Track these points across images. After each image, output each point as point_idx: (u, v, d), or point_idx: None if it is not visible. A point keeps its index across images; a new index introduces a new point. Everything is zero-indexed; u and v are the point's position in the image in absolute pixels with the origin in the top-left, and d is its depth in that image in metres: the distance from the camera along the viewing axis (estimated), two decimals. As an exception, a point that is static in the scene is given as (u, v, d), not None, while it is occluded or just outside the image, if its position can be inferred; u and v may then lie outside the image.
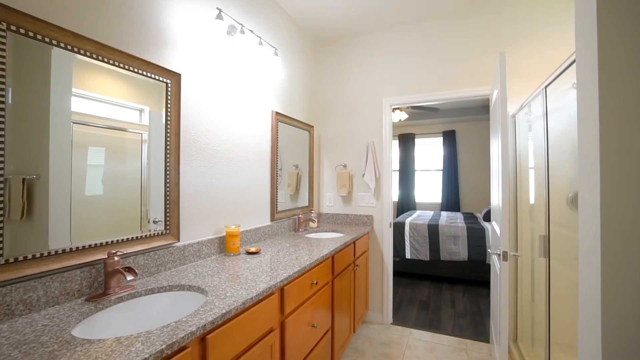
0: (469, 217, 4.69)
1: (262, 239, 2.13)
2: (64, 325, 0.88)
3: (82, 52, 1.10)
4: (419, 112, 5.80)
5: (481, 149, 5.95)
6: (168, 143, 1.46)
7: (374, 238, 2.82)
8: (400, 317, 2.88)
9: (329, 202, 3.03)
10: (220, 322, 0.97)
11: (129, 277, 1.07)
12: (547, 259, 1.57)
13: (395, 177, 6.55)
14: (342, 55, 2.98)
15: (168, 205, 1.46)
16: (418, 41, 2.67)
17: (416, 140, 6.49)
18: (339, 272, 2.03)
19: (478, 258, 3.57)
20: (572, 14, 2.17)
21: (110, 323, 1.02)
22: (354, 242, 2.32)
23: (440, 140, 6.30)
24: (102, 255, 1.15)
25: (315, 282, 1.63)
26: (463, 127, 6.11)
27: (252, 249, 1.78)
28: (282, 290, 1.36)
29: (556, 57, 2.19)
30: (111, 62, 1.20)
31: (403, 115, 4.62)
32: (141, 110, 1.34)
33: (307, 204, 2.83)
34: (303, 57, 2.81)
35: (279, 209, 2.35)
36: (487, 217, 4.33)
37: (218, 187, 1.78)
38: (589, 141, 0.74)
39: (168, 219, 1.46)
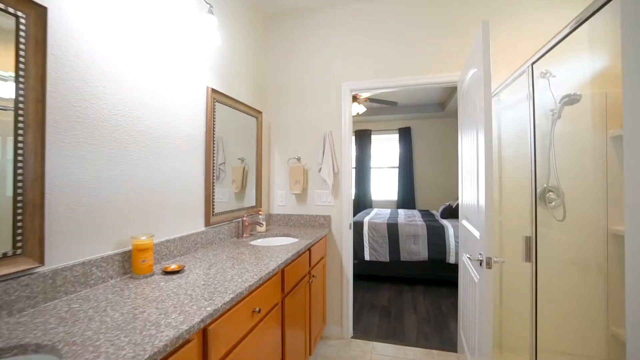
0: (427, 215, 4.62)
1: (190, 250, 1.64)
2: None
3: None
4: (376, 107, 5.64)
5: (436, 146, 6.00)
6: (21, 114, 0.93)
7: (332, 241, 2.48)
8: (362, 328, 2.59)
9: (281, 201, 2.62)
10: None
11: None
12: (534, 263, 1.36)
13: (352, 174, 6.35)
14: (297, 33, 2.58)
15: (21, 211, 0.94)
16: (382, 20, 2.37)
17: (372, 136, 6.35)
18: (292, 287, 1.64)
19: (438, 257, 3.44)
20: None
21: None
22: (309, 249, 1.94)
23: (396, 137, 6.24)
24: None
25: (257, 309, 1.21)
26: (418, 124, 6.11)
27: (172, 267, 1.30)
28: (204, 332, 0.93)
29: (530, 43, 2.04)
30: None
31: (361, 109, 4.37)
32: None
33: (254, 204, 2.38)
34: (250, 30, 2.35)
35: (216, 211, 1.88)
36: (444, 215, 4.28)
37: (122, 183, 1.27)
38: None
39: (21, 232, 0.93)
